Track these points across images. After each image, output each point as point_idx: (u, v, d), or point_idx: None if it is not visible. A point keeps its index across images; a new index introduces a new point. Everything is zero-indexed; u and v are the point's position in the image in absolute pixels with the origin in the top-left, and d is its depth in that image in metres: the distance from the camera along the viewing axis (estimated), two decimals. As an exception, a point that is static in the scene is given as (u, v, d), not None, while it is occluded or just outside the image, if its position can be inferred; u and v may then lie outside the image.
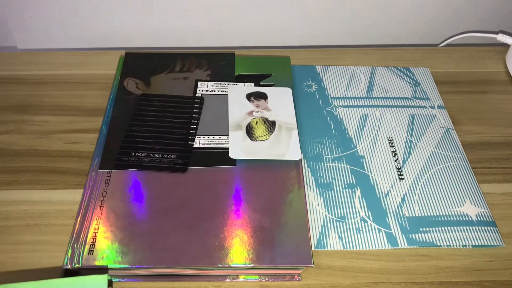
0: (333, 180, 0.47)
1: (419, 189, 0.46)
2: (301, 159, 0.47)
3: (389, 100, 0.55)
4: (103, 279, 0.37)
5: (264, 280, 0.40)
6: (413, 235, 0.43)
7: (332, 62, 0.60)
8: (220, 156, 0.47)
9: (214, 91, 0.53)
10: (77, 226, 0.41)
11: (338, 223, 0.44)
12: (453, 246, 0.43)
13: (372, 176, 0.47)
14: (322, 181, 0.47)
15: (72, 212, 0.44)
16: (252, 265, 0.39)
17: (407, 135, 0.51)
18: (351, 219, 0.44)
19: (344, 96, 0.56)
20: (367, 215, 0.44)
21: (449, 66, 0.61)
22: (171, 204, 0.42)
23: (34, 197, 0.45)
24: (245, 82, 0.54)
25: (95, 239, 0.40)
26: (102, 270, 0.38)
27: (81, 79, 0.57)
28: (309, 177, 0.47)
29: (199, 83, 0.54)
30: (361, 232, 0.43)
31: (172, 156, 0.46)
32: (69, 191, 0.45)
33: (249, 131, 0.49)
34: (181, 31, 0.64)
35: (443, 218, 0.44)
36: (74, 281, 0.37)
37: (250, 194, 0.43)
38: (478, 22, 0.66)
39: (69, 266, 0.38)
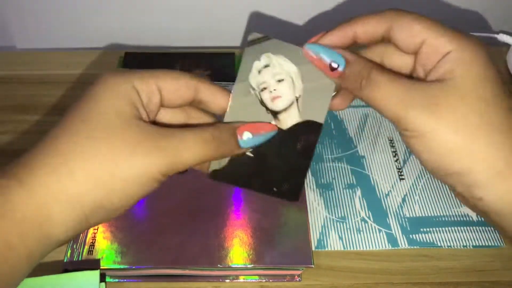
0: (334, 180, 0.47)
1: (420, 189, 0.46)
2: (301, 159, 0.47)
3: (390, 100, 0.55)
4: (95, 274, 0.37)
5: (264, 280, 0.40)
6: (414, 235, 0.43)
7: (333, 62, 0.60)
8: (220, 156, 0.46)
9: (214, 91, 0.53)
10: (76, 227, 0.41)
11: (338, 223, 0.44)
12: (453, 246, 0.42)
13: (372, 176, 0.47)
14: (323, 181, 0.47)
15: (72, 212, 0.43)
16: (252, 265, 0.39)
17: (408, 135, 0.51)
18: (351, 219, 0.44)
19: (345, 96, 0.55)
20: (368, 215, 0.44)
21: (450, 66, 0.61)
22: (171, 204, 0.42)
23: (34, 197, 0.45)
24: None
25: (95, 239, 0.40)
26: (95, 264, 0.38)
27: (81, 79, 0.57)
28: (309, 177, 0.47)
29: (199, 83, 0.54)
30: (361, 232, 0.43)
31: (172, 156, 0.46)
32: (68, 191, 0.45)
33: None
34: (181, 31, 0.64)
35: (443, 219, 0.44)
36: (67, 277, 0.37)
37: (250, 194, 0.43)
38: (478, 22, 0.65)
39: (69, 267, 0.38)
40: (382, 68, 0.29)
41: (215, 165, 0.31)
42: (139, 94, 0.28)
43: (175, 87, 0.29)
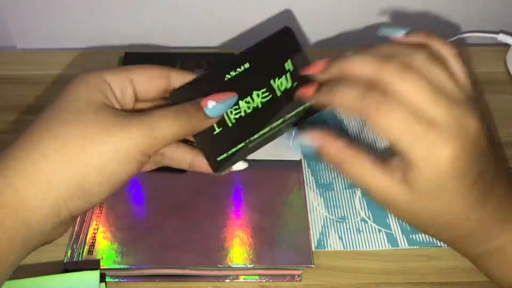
0: (334, 180, 0.47)
1: (420, 189, 0.46)
2: (301, 159, 0.47)
3: (390, 100, 0.55)
4: (95, 274, 0.37)
5: (264, 280, 0.40)
6: (414, 235, 0.43)
7: (332, 62, 0.60)
8: (220, 156, 0.46)
9: (214, 91, 0.53)
10: (76, 227, 0.41)
11: (338, 223, 0.44)
12: (453, 246, 0.42)
13: (372, 176, 0.47)
14: (322, 182, 0.47)
15: (72, 212, 0.43)
16: (252, 265, 0.39)
17: (408, 135, 0.51)
18: (351, 220, 0.44)
19: (344, 96, 0.55)
20: (368, 215, 0.44)
21: (450, 66, 0.61)
22: (171, 204, 0.42)
23: (34, 197, 0.45)
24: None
25: (95, 239, 0.40)
26: (96, 264, 0.38)
27: (81, 79, 0.57)
28: (309, 177, 0.47)
29: (199, 83, 0.54)
30: (361, 232, 0.43)
31: (172, 156, 0.46)
32: (68, 191, 0.45)
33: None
34: (181, 31, 0.64)
35: (443, 219, 0.44)
36: (67, 277, 0.37)
37: (250, 195, 0.43)
38: (478, 22, 0.65)
39: (69, 268, 0.38)
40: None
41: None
42: (110, 87, 0.29)
43: (148, 76, 0.30)
